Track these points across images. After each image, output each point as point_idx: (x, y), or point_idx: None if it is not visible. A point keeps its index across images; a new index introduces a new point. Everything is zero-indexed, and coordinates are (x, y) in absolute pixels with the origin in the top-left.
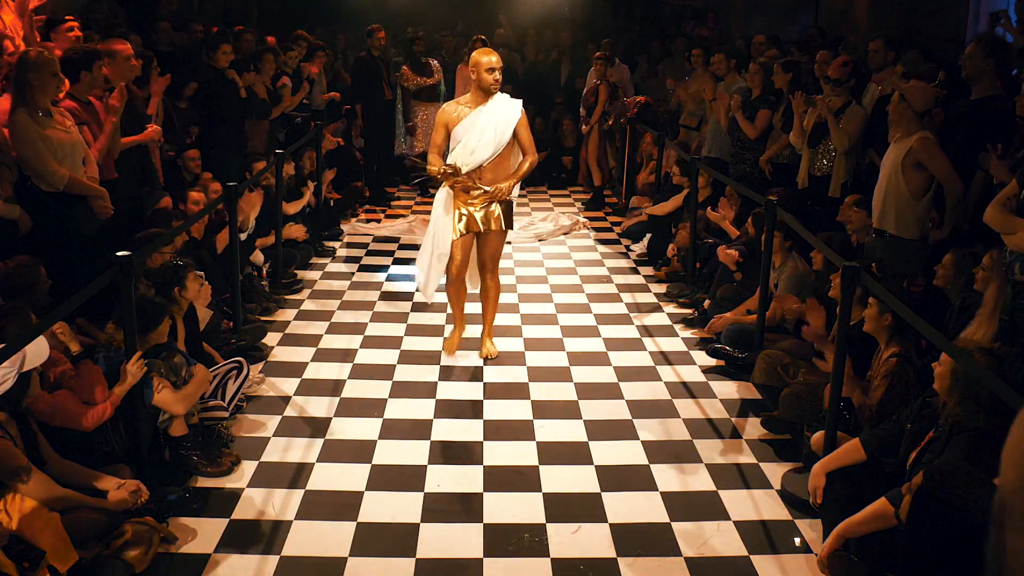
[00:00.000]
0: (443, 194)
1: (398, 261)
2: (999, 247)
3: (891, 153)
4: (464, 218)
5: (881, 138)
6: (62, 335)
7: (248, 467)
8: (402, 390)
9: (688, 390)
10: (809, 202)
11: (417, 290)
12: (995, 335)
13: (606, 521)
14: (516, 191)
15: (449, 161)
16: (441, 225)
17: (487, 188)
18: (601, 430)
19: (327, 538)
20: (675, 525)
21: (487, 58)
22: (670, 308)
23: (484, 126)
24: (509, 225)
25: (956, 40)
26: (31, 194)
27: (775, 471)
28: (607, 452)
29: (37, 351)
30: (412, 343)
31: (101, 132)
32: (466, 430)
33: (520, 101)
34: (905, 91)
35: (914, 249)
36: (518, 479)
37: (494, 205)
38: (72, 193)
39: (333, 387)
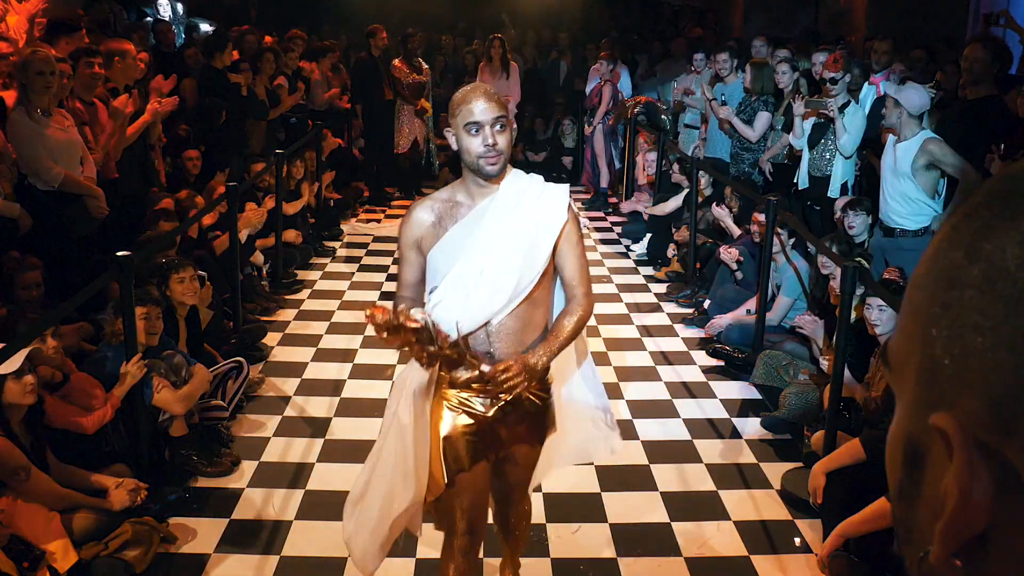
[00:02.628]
0: (411, 378)
1: (398, 261)
2: None
3: (896, 156)
4: (464, 434)
5: (877, 138)
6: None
7: (248, 467)
8: None
9: (688, 390)
10: (808, 202)
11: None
12: None
13: (606, 521)
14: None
15: (425, 312)
16: (400, 446)
17: (508, 372)
18: None
19: (327, 538)
20: (675, 525)
21: (470, 104)
22: (670, 308)
23: (494, 238)
24: (541, 436)
25: (956, 40)
26: (28, 193)
27: (775, 471)
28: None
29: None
30: None
31: (103, 133)
32: None
33: (566, 187)
34: (901, 98)
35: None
36: None
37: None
38: (68, 192)
39: (333, 387)
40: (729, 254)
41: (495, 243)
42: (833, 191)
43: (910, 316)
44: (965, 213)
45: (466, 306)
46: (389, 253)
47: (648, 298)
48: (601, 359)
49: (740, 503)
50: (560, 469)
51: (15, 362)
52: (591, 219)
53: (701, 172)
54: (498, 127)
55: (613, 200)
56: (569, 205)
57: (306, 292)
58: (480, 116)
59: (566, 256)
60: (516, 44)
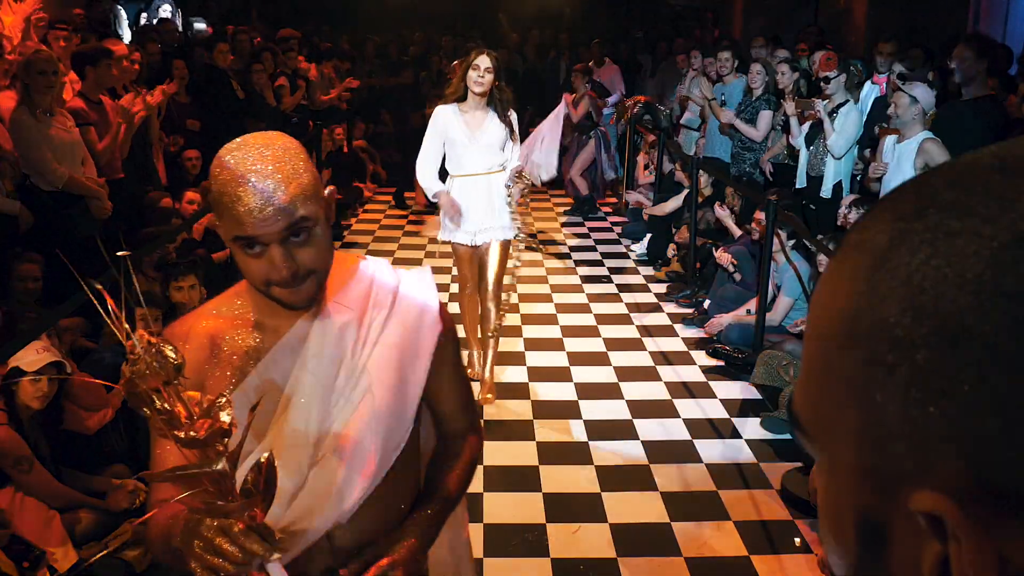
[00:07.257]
0: None
1: (397, 261)
2: None
3: (897, 156)
4: None
5: (875, 139)
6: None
7: None
8: None
9: (688, 390)
10: (804, 201)
11: None
12: None
13: (606, 521)
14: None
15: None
16: None
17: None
18: (601, 430)
19: None
20: (675, 525)
21: (235, 205)
22: (670, 308)
23: (325, 382)
24: None
25: (956, 40)
26: (31, 193)
27: (775, 471)
28: (607, 452)
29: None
30: None
31: (108, 133)
32: None
33: (427, 272)
34: (917, 94)
35: None
36: (518, 479)
37: None
38: (71, 192)
39: None
40: (723, 257)
41: (332, 394)
42: (825, 191)
43: (832, 379)
44: (874, 257)
45: (293, 512)
46: (389, 253)
47: (648, 298)
48: (601, 359)
49: (740, 503)
50: None
51: (35, 364)
52: (589, 218)
53: (701, 172)
54: (296, 237)
55: (612, 200)
56: (441, 306)
57: None
58: (257, 230)
59: (443, 382)
60: (516, 44)
